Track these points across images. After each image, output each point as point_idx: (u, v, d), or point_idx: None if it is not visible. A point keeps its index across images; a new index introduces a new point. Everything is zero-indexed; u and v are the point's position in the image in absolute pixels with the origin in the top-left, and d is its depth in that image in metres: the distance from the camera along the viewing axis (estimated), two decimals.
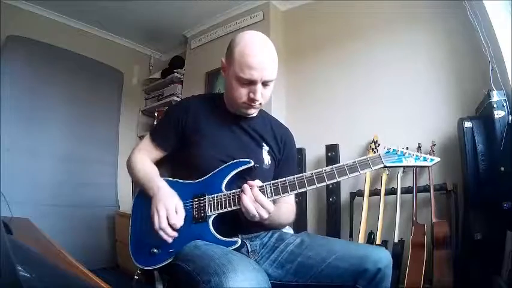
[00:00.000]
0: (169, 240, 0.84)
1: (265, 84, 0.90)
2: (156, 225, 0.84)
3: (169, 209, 0.84)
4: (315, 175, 0.82)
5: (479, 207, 1.56)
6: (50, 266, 0.64)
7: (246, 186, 0.82)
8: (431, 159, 0.81)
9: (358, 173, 0.80)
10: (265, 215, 0.81)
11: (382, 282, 0.78)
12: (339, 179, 0.81)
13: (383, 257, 0.80)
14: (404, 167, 0.86)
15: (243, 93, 0.91)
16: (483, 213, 1.53)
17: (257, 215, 0.80)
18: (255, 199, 0.81)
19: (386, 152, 0.82)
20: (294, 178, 0.83)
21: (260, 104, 0.94)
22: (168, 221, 0.84)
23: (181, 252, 0.83)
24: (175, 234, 0.84)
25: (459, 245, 1.70)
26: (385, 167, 0.81)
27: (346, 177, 0.80)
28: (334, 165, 0.82)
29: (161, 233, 0.84)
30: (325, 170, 0.81)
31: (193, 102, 1.04)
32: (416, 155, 0.81)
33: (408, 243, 1.70)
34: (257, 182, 0.84)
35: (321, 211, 2.30)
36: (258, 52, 0.88)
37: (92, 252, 2.62)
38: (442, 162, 1.88)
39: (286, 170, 1.03)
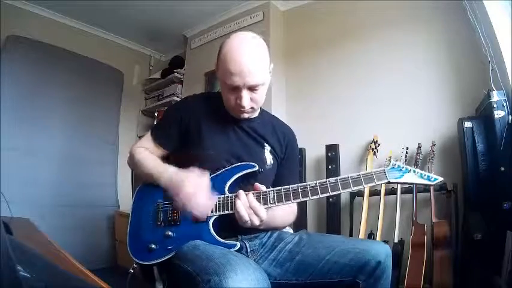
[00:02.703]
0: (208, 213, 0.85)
1: (252, 89, 0.88)
2: (193, 205, 0.83)
3: (201, 185, 0.84)
4: (319, 185, 0.82)
5: (479, 207, 1.56)
6: (50, 266, 0.64)
7: (241, 192, 0.82)
8: (435, 178, 0.82)
9: (362, 187, 0.81)
10: (257, 222, 0.81)
11: (382, 276, 0.78)
12: (342, 191, 0.81)
13: (382, 250, 0.80)
14: (408, 184, 0.87)
15: (230, 98, 0.90)
16: (483, 213, 1.53)
17: (249, 222, 0.80)
18: (249, 205, 0.81)
19: (391, 168, 0.82)
20: (297, 187, 0.83)
21: (252, 108, 0.92)
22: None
23: (181, 252, 0.82)
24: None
25: (459, 245, 1.69)
26: (388, 182, 0.82)
27: (350, 189, 0.81)
28: (338, 177, 0.82)
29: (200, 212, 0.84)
30: (329, 181, 0.81)
31: (194, 101, 1.03)
32: (421, 173, 0.82)
33: (408, 243, 1.70)
34: (262, 187, 0.84)
35: (321, 211, 2.29)
36: (239, 58, 0.84)
37: (92, 252, 2.62)
38: (442, 162, 1.89)
39: (287, 169, 1.03)
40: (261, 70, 0.88)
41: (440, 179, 0.82)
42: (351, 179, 0.81)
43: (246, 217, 0.80)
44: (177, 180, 0.85)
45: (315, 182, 0.82)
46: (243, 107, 0.89)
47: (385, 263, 0.78)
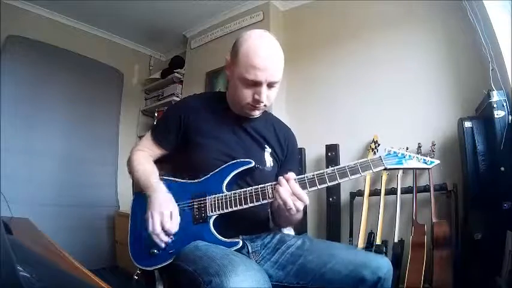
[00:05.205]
0: (162, 245, 0.86)
1: (270, 85, 0.89)
2: (150, 229, 0.85)
3: (164, 215, 0.85)
4: (317, 176, 0.81)
5: (479, 207, 1.56)
6: (50, 266, 0.64)
7: (281, 178, 0.82)
8: (431, 162, 0.81)
9: (360, 175, 0.81)
10: (301, 207, 0.80)
11: None
12: (340, 181, 0.81)
13: (383, 265, 0.79)
14: (404, 169, 0.86)
15: (247, 94, 0.90)
16: (483, 213, 1.53)
17: (293, 208, 0.79)
18: (293, 192, 0.80)
19: (387, 154, 0.82)
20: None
21: (265, 105, 0.93)
22: (162, 227, 0.85)
23: (182, 253, 0.82)
24: (169, 239, 0.86)
25: (459, 245, 1.69)
26: (385, 169, 0.81)
27: (348, 179, 0.81)
28: (335, 167, 0.82)
29: (155, 237, 0.85)
30: (326, 172, 0.81)
31: (194, 101, 1.03)
32: (417, 157, 0.82)
33: (408, 243, 1.70)
34: (291, 175, 0.83)
35: (321, 211, 2.29)
36: (264, 53, 0.86)
37: (91, 252, 2.62)
38: (442, 162, 1.88)
39: (288, 170, 1.02)
40: (281, 67, 0.90)
41: (437, 161, 0.82)
42: (348, 168, 0.81)
43: (291, 204, 0.79)
44: (149, 202, 0.89)
45: (312, 173, 0.82)
46: (261, 103, 0.90)
47: (386, 278, 0.78)
